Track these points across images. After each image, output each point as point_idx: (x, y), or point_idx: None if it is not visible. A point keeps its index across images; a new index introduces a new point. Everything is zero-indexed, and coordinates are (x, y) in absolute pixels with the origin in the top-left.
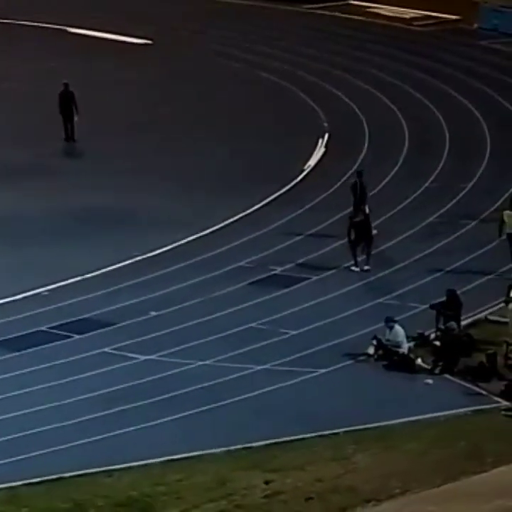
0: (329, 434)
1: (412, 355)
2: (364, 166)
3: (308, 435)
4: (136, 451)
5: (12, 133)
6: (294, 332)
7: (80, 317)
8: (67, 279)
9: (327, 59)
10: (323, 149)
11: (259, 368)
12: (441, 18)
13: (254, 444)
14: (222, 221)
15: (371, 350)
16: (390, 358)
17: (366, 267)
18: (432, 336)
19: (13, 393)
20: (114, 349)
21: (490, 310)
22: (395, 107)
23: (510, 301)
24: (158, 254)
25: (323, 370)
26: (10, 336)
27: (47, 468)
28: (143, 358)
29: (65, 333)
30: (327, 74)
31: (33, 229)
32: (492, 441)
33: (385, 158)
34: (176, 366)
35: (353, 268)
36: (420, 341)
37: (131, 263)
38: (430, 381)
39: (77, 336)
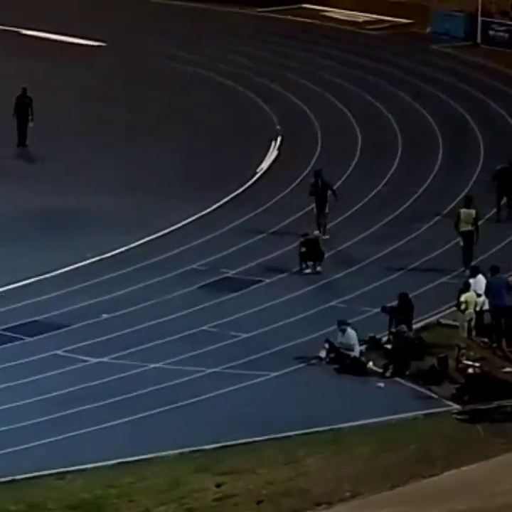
0: (280, 437)
1: (363, 359)
2: (317, 169)
3: (259, 438)
4: (88, 454)
5: None
6: (246, 335)
7: (32, 319)
8: (19, 281)
9: (280, 62)
10: (275, 152)
11: (210, 370)
12: (393, 22)
13: (205, 447)
14: (175, 224)
15: (323, 354)
16: (342, 361)
17: (319, 269)
18: (384, 339)
19: None
20: (66, 351)
21: (442, 313)
22: (348, 110)
23: (461, 305)
24: (111, 256)
25: (274, 374)
26: None
27: None
28: (95, 360)
29: (17, 335)
30: (280, 77)
31: None
32: (443, 445)
33: (337, 161)
34: (128, 369)
35: (306, 271)
36: (372, 344)
37: (84, 265)
38: (382, 384)
39: (28, 338)
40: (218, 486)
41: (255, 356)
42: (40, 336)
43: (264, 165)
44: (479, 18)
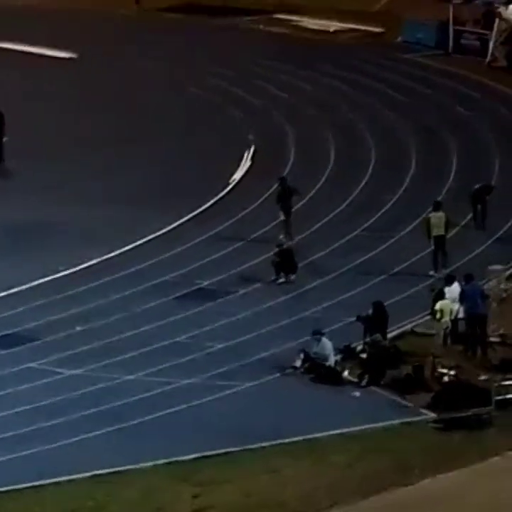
0: (257, 447)
1: (339, 368)
2: (290, 178)
3: (236, 448)
4: (64, 467)
5: None
6: (220, 345)
7: (5, 332)
8: None
9: (252, 72)
10: (248, 163)
11: (185, 382)
12: (365, 31)
13: (181, 458)
14: (148, 235)
15: (298, 363)
16: (317, 371)
17: (292, 277)
18: (359, 348)
19: None
20: (41, 364)
21: (416, 322)
22: (320, 119)
23: (437, 313)
24: (84, 268)
25: (250, 384)
26: None
27: None
28: (69, 372)
29: None
30: (252, 87)
31: None
32: (419, 454)
33: (310, 171)
34: (103, 381)
35: (280, 280)
36: (347, 354)
37: (57, 278)
38: (357, 394)
39: (2, 351)
40: (195, 497)
41: (230, 367)
42: (14, 349)
43: (237, 175)
44: (451, 27)
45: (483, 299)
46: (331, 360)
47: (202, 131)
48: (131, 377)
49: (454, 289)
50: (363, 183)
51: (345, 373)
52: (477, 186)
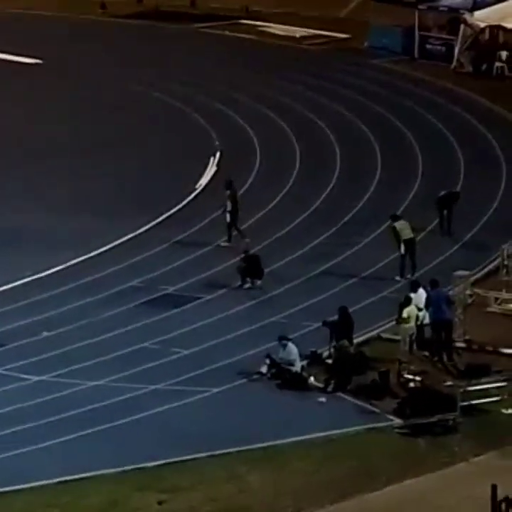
0: (222, 453)
1: (305, 374)
2: (255, 184)
3: (200, 455)
4: (27, 473)
5: None
6: (187, 352)
7: None
8: None
9: (218, 78)
10: (214, 168)
11: (151, 388)
12: (331, 36)
13: (146, 465)
14: (114, 241)
15: (264, 369)
16: (283, 377)
17: (258, 283)
18: (325, 354)
19: None
20: (6, 370)
21: (382, 328)
22: (286, 125)
23: (403, 319)
24: (49, 274)
25: (215, 390)
26: None
27: None
28: (35, 378)
29: None
30: (218, 93)
31: None
32: (384, 460)
33: (276, 177)
34: (68, 387)
35: (246, 286)
36: (313, 359)
37: (21, 284)
38: (323, 399)
39: None
40: (160, 503)
41: (197, 372)
42: None
43: (203, 181)
44: (416, 33)
45: (448, 304)
46: (297, 366)
47: (167, 138)
48: (97, 383)
49: (419, 295)
50: (329, 188)
51: (312, 379)
52: (443, 192)
